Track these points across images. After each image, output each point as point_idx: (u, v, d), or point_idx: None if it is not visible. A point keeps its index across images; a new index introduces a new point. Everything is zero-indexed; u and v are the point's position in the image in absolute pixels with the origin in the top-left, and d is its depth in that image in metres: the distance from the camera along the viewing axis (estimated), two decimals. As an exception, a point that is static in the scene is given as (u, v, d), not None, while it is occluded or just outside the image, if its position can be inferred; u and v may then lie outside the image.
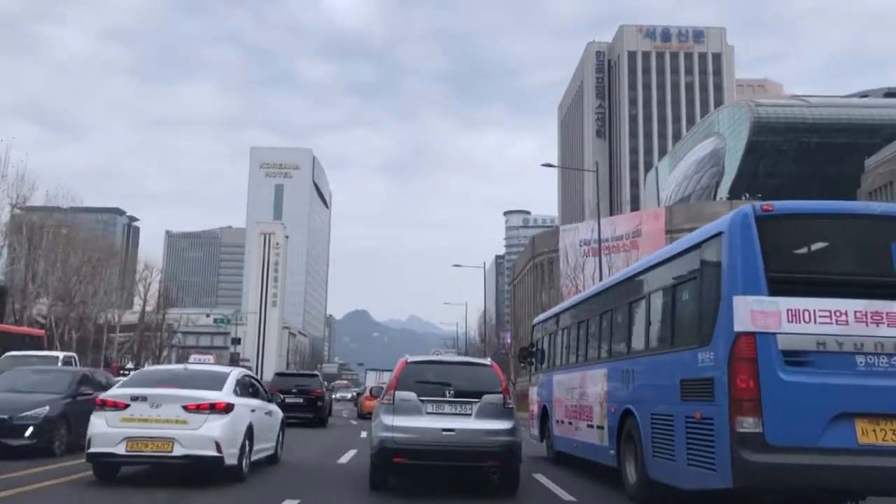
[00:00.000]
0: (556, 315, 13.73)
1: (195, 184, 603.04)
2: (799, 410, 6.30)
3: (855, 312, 6.48)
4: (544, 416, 13.48)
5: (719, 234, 7.01)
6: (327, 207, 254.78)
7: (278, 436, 11.53)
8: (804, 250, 7.14)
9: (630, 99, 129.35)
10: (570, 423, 11.44)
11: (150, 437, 8.52)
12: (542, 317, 15.33)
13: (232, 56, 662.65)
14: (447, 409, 8.51)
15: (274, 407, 11.52)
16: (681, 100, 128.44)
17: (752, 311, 6.45)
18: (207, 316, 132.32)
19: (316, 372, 33.20)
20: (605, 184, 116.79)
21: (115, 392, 9.13)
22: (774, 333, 6.43)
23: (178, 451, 8.49)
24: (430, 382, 8.69)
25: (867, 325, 6.47)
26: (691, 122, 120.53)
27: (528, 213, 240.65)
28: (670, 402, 7.50)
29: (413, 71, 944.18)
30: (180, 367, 11.99)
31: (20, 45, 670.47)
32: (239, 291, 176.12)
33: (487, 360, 9.61)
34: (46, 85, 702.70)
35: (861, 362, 6.44)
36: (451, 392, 8.55)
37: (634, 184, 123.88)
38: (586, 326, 11.23)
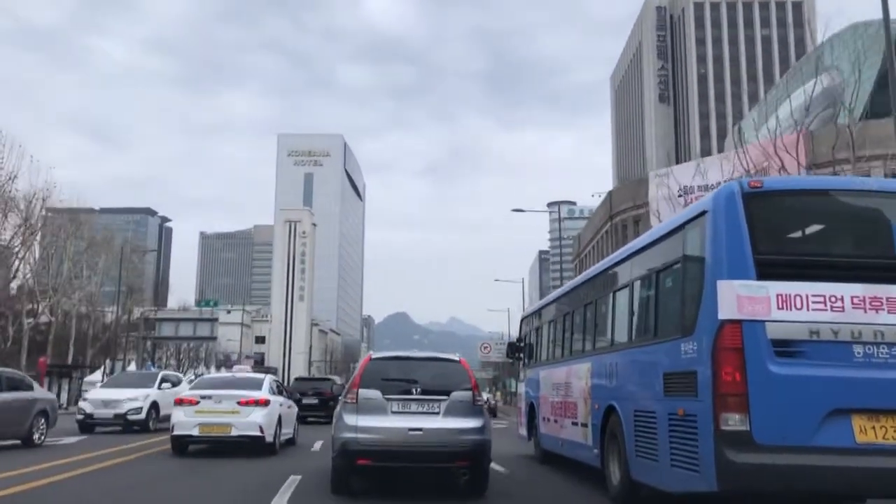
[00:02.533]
0: (541, 308, 13.65)
1: (236, 189, 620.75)
2: (790, 406, 5.95)
3: (852, 298, 6.12)
4: (532, 413, 13.32)
5: (703, 213, 6.69)
6: (361, 199, 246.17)
7: (295, 425, 16.34)
8: (796, 230, 6.79)
9: (698, 56, 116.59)
10: (556, 421, 11.29)
11: (215, 423, 13.27)
12: (528, 310, 15.49)
13: (272, 62, 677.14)
14: (414, 407, 8.40)
15: (293, 403, 16.71)
16: (756, 57, 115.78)
17: (738, 297, 6.10)
18: (228, 312, 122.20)
19: (330, 377, 36.20)
20: (672, 154, 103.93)
21: (189, 392, 14.17)
22: (763, 321, 6.08)
23: (234, 432, 13.21)
24: (395, 380, 8.53)
25: (865, 312, 6.11)
26: (770, 80, 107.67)
27: (573, 203, 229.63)
28: (653, 397, 7.23)
29: (451, 72, 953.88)
30: (230, 374, 18.08)
31: (67, 58, 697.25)
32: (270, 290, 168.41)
33: (456, 356, 9.39)
34: (92, 96, 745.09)
35: (859, 353, 6.07)
36: (418, 390, 8.44)
37: (706, 152, 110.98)
38: (571, 319, 11.08)
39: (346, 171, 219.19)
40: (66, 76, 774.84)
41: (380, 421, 8.21)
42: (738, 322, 6.07)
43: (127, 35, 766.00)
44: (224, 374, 21.60)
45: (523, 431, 14.30)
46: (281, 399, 14.80)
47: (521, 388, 14.79)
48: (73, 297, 46.79)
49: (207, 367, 77.94)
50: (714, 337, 6.15)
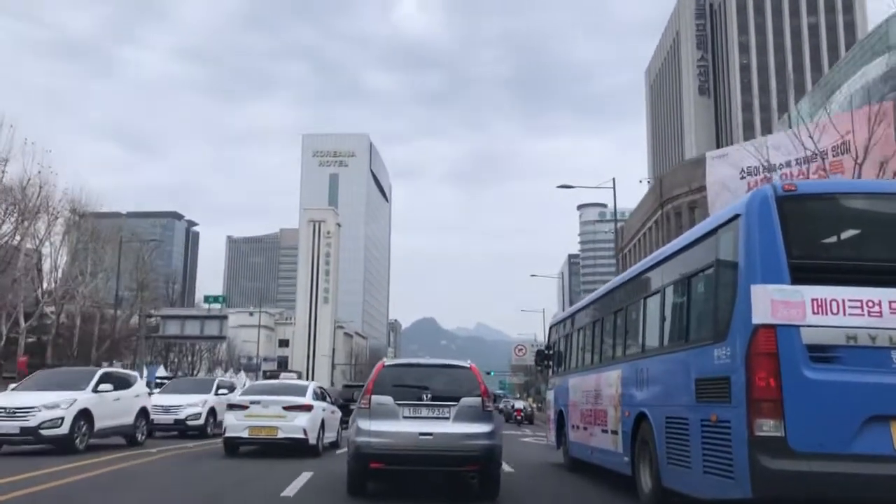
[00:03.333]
0: (570, 316, 13.66)
1: (265, 196, 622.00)
2: (826, 412, 5.91)
3: (890, 303, 6.06)
4: (560, 421, 13.37)
5: (736, 217, 6.70)
6: (387, 201, 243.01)
7: (338, 429, 17.26)
8: (831, 234, 6.76)
9: (740, 46, 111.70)
10: (586, 429, 11.31)
11: (263, 426, 14.40)
12: (557, 318, 15.64)
13: (302, 70, 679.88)
14: (424, 412, 8.74)
15: (336, 409, 17.45)
16: (803, 45, 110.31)
17: (772, 302, 6.08)
18: (251, 314, 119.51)
19: None
20: (713, 149, 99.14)
21: (240, 398, 15.33)
22: (798, 326, 6.04)
23: (280, 435, 14.31)
24: (407, 386, 8.92)
25: None
26: (817, 70, 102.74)
27: (604, 205, 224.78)
28: (685, 404, 7.26)
29: (479, 77, 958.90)
30: (277, 381, 20.83)
31: (100, 68, 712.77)
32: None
33: (467, 363, 9.65)
34: (125, 105, 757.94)
35: None
36: (429, 395, 8.80)
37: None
38: (600, 326, 11.09)
39: (371, 171, 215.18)
40: (101, 85, 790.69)
41: (391, 426, 8.59)
42: (773, 327, 6.05)
43: (160, 44, 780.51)
44: (273, 381, 22.60)
45: (552, 439, 14.33)
46: (324, 404, 16.09)
47: (550, 396, 14.88)
48: (77, 293, 43.87)
49: (225, 371, 75.23)
50: (748, 342, 6.14)
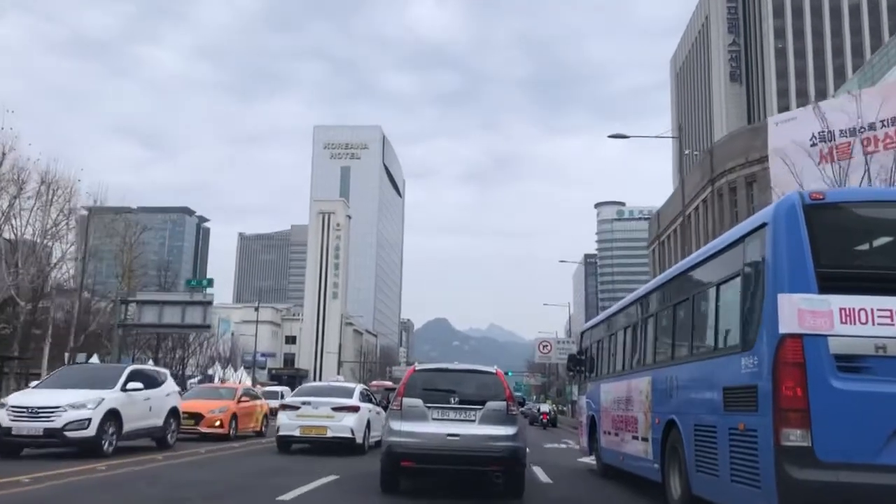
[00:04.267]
0: (602, 321, 13.88)
1: (280, 195, 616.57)
2: (854, 422, 5.93)
3: None
4: (592, 427, 13.48)
5: (763, 225, 6.74)
6: (400, 196, 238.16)
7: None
8: (860, 243, 6.78)
9: (776, 30, 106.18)
10: (617, 435, 11.42)
11: (314, 426, 15.53)
12: (589, 323, 15.74)
13: (318, 70, 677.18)
14: (452, 415, 9.29)
15: (381, 409, 17.90)
16: (843, 27, 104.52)
17: (799, 311, 6.10)
18: (256, 310, 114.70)
19: None
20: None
21: (292, 399, 16.56)
22: (825, 336, 6.05)
23: (329, 434, 15.42)
24: (436, 390, 9.50)
25: None
26: (859, 56, 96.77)
27: (622, 203, 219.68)
28: (714, 412, 7.35)
29: (495, 78, 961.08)
30: (325, 384, 21.56)
31: (118, 67, 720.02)
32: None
33: (493, 368, 10.22)
34: (144, 103, 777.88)
35: None
36: (456, 399, 9.35)
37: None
38: (631, 332, 11.21)
39: (384, 165, 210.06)
40: (120, 84, 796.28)
41: (421, 427, 9.25)
42: (800, 336, 6.06)
43: (178, 44, 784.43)
44: (322, 383, 23.82)
45: (584, 445, 14.39)
46: (370, 406, 17.09)
47: (582, 402, 15.05)
48: (51, 278, 39.47)
49: (224, 368, 70.93)
50: (775, 351, 6.16)
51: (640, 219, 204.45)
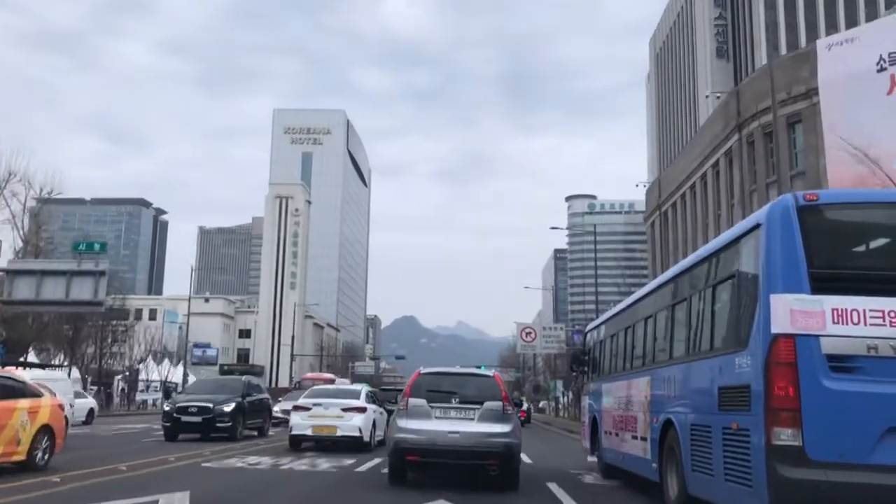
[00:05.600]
0: (605, 321, 14.00)
1: (247, 190, 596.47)
2: (845, 422, 5.99)
3: None
4: (594, 426, 13.65)
5: (757, 226, 6.86)
6: (366, 186, 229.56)
7: (385, 428, 18.23)
8: (853, 244, 6.85)
9: (766, 2, 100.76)
10: (617, 435, 11.55)
11: (324, 425, 16.79)
12: (593, 323, 15.86)
13: (289, 65, 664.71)
14: (453, 413, 10.27)
15: (384, 410, 19.37)
16: (837, 0, 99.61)
17: (791, 311, 6.19)
18: (206, 301, 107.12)
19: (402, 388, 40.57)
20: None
21: (303, 401, 17.69)
22: (817, 336, 6.14)
23: (339, 433, 16.70)
24: (438, 391, 10.53)
25: None
26: (854, 26, 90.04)
27: (593, 197, 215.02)
28: (709, 411, 7.45)
29: (468, 76, 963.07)
30: (334, 387, 23.55)
31: (86, 60, 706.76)
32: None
33: (490, 372, 11.68)
34: (109, 98, 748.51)
35: None
36: (457, 399, 10.34)
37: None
38: (631, 332, 11.35)
39: (349, 151, 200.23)
40: (86, 78, 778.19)
41: (425, 424, 10.18)
42: (792, 336, 6.13)
43: (146, 37, 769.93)
44: (330, 386, 24.89)
45: (586, 445, 14.67)
46: (374, 406, 18.53)
47: (585, 402, 15.27)
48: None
49: (159, 363, 63.29)
50: (767, 351, 6.23)
51: (612, 212, 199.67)
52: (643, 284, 16.79)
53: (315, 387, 22.65)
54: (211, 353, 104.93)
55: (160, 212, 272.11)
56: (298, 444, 17.08)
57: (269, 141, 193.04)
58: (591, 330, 15.53)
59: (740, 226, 7.43)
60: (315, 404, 17.04)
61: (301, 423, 16.80)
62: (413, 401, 10.34)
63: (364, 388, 19.43)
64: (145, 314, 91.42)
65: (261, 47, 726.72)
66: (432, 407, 10.21)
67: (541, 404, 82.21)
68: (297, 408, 17.36)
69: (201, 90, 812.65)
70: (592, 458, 14.54)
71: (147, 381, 62.35)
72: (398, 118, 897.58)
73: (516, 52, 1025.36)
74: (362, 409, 17.10)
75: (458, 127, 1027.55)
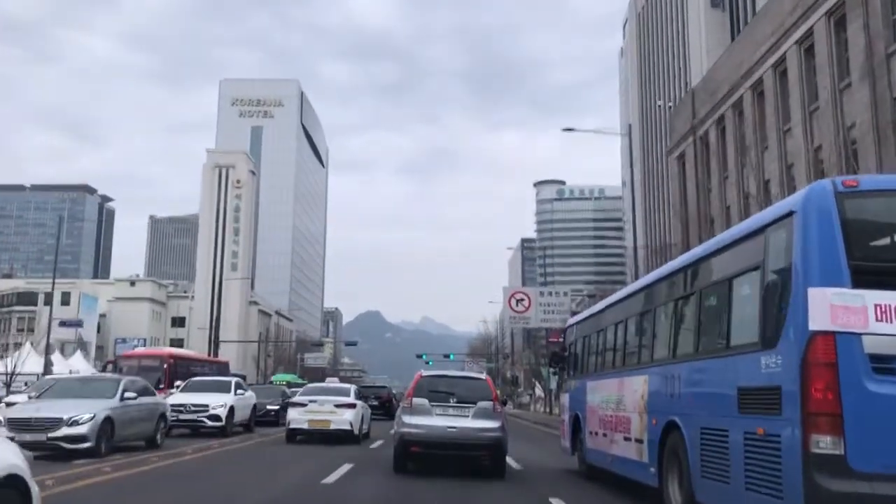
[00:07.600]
0: (591, 316, 13.68)
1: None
2: (891, 429, 5.52)
3: None
4: (576, 425, 13.43)
5: (790, 214, 6.29)
6: (324, 167, 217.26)
7: (369, 421, 22.02)
8: None
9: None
10: (605, 435, 11.18)
11: (319, 419, 18.94)
12: (575, 318, 15.50)
13: (253, 58, 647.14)
14: (451, 411, 12.14)
15: (367, 406, 22.59)
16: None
17: (831, 307, 5.70)
18: (132, 285, 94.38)
19: (385, 385, 47.91)
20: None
21: (300, 398, 19.95)
22: (859, 334, 5.66)
23: (332, 427, 18.92)
24: (438, 391, 12.43)
25: None
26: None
27: (562, 182, 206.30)
28: (725, 414, 6.89)
29: (434, 70, 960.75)
30: (326, 384, 24.09)
31: (43, 51, 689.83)
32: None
33: (483, 375, 13.96)
34: (68, 91, 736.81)
35: None
36: (454, 399, 12.25)
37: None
38: (625, 327, 10.89)
39: (303, 125, 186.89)
40: (44, 70, 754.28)
41: (426, 420, 12.04)
42: (832, 334, 5.69)
43: (106, 29, 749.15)
44: (324, 384, 25.29)
45: (566, 444, 14.41)
46: (362, 403, 21.08)
47: (565, 400, 14.99)
48: None
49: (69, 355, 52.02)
50: (803, 350, 5.76)
51: (581, 198, 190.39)
52: (617, 273, 19.60)
53: (310, 385, 26.08)
54: (136, 343, 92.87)
55: (106, 199, 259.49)
56: (294, 437, 19.16)
57: (216, 114, 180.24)
58: (574, 325, 15.05)
59: (768, 213, 6.87)
60: (311, 401, 19.34)
61: (298, 418, 18.98)
62: (416, 400, 12.24)
63: (353, 387, 22.26)
64: (57, 298, 78.73)
65: (223, 40, 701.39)
66: (433, 405, 12.15)
67: (520, 397, 73.32)
68: (293, 404, 19.77)
69: (162, 83, 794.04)
70: (573, 458, 14.00)
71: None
72: (363, 112, 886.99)
73: (481, 46, 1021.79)
74: (352, 406, 19.51)
75: (422, 122, 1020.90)
